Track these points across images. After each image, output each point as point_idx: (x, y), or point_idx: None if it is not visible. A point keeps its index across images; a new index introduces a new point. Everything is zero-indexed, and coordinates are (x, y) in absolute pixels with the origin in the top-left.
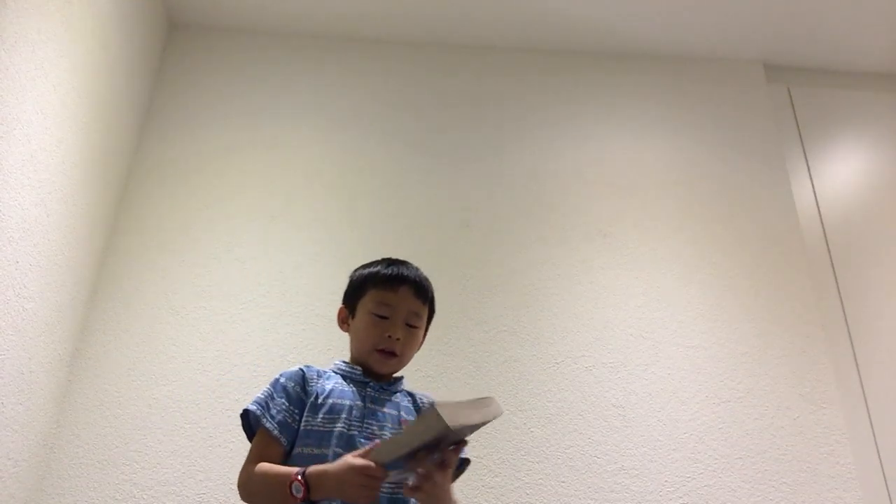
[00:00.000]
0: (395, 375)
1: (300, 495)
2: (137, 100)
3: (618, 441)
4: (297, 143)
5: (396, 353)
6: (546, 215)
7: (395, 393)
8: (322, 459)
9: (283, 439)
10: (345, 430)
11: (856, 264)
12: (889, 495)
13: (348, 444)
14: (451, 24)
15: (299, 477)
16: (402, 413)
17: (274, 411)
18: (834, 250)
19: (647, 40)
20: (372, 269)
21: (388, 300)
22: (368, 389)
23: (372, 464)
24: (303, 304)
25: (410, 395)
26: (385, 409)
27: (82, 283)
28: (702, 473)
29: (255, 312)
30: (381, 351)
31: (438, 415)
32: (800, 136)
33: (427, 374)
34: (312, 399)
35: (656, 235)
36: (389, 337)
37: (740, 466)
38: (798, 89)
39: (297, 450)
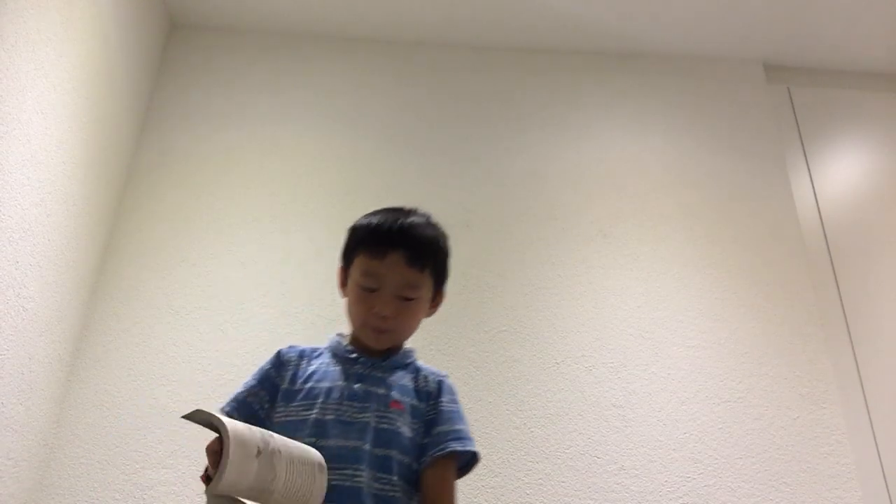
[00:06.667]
0: (403, 348)
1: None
2: (137, 100)
3: (618, 441)
4: (297, 143)
5: (388, 329)
6: (546, 215)
7: (394, 370)
8: None
9: (235, 416)
10: (319, 417)
11: (856, 264)
12: (889, 495)
13: (321, 432)
14: (451, 24)
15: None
16: (395, 393)
17: (239, 391)
18: (834, 250)
19: (647, 40)
20: (363, 225)
21: (374, 270)
22: (357, 366)
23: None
24: (303, 304)
25: (417, 370)
26: (371, 388)
27: (82, 283)
28: (702, 473)
29: (255, 312)
30: (372, 328)
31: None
32: (800, 136)
33: None
34: (287, 385)
35: (656, 235)
36: (377, 313)
37: (740, 466)
38: (798, 89)
39: None
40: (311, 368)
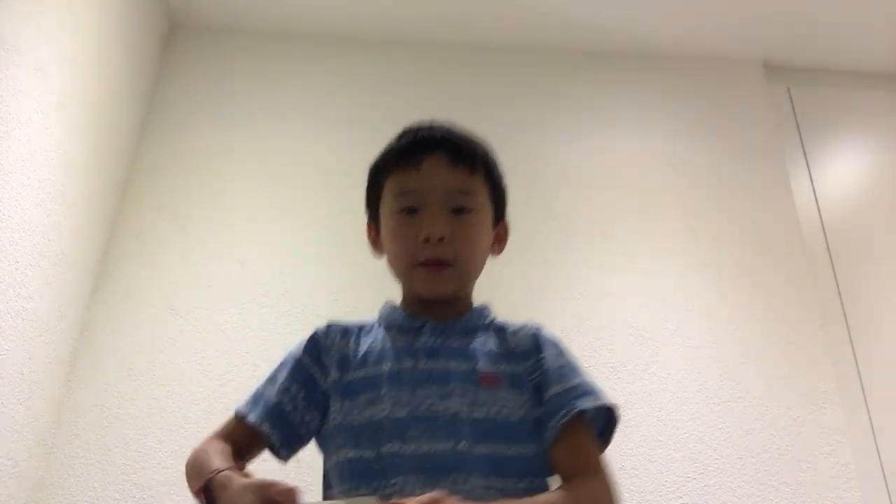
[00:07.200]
0: (473, 305)
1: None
2: (137, 99)
3: (618, 441)
4: (297, 143)
5: (447, 260)
6: (546, 215)
7: (472, 333)
8: (368, 466)
9: (263, 426)
10: (388, 415)
11: (856, 264)
12: (889, 495)
13: (397, 434)
14: (451, 24)
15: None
16: (481, 363)
17: (266, 391)
18: (834, 250)
19: (647, 40)
20: (384, 151)
21: (410, 184)
22: (423, 337)
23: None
24: (303, 304)
25: (502, 329)
26: (450, 365)
27: (82, 284)
28: (702, 473)
29: (255, 312)
30: (424, 264)
31: None
32: (800, 136)
33: None
34: (336, 375)
35: (656, 235)
36: (427, 239)
37: (740, 466)
38: (798, 89)
39: (334, 457)
40: (363, 350)
